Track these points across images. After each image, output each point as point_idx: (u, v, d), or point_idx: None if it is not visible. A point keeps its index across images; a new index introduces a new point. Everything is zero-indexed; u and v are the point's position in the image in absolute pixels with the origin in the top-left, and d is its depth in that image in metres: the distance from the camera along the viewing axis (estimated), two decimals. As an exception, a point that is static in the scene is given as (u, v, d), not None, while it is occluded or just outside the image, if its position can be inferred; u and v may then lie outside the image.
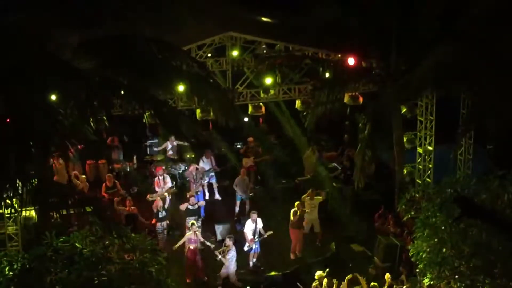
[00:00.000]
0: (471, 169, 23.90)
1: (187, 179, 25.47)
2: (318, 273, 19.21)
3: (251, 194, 25.10)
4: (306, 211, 22.63)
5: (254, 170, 26.62)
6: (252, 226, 21.35)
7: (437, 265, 15.26)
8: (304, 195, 23.08)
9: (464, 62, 19.48)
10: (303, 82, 24.19)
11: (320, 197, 23.39)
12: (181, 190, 24.85)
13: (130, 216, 22.29)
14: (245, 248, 21.44)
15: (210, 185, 25.96)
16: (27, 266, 13.34)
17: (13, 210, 19.10)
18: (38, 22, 16.24)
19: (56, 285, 12.97)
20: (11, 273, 13.27)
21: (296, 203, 22.50)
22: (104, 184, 24.04)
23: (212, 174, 25.87)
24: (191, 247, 20.88)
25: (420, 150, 24.21)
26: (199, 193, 24.44)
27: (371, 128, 21.51)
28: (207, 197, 25.51)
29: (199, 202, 23.13)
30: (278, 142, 29.39)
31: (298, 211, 22.26)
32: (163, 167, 25.06)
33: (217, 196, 26.11)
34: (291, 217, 22.26)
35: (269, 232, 21.60)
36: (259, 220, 21.48)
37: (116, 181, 24.34)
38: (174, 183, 25.03)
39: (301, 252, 22.47)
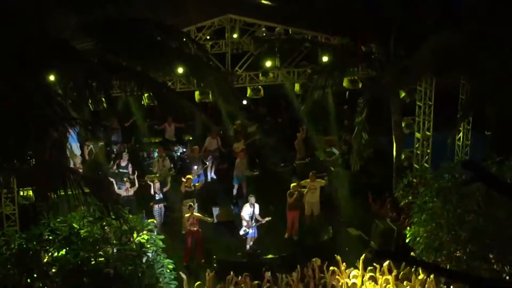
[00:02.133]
0: (469, 155, 23.92)
1: (187, 161, 25.49)
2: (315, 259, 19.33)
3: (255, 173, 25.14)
4: (305, 192, 22.70)
5: (246, 153, 26.55)
6: (249, 211, 21.36)
7: (433, 250, 15.33)
8: (305, 180, 23.10)
9: (464, 48, 19.44)
10: (302, 65, 24.16)
11: (322, 181, 23.41)
12: (179, 173, 24.86)
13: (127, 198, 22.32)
14: (241, 233, 21.46)
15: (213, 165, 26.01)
16: (24, 245, 13.36)
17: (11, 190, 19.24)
18: (37, 3, 16.14)
19: (53, 265, 13.00)
20: (8, 252, 13.30)
21: (292, 184, 22.56)
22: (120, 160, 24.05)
23: (216, 154, 25.87)
24: (191, 229, 20.94)
25: (418, 135, 24.20)
26: (200, 176, 24.47)
27: (369, 112, 21.50)
28: (209, 179, 25.52)
29: (196, 184, 23.18)
30: (277, 125, 29.37)
31: (295, 193, 22.32)
32: (163, 149, 25.06)
33: (212, 175, 26.10)
34: (288, 199, 22.33)
35: (267, 218, 21.60)
36: (256, 205, 21.51)
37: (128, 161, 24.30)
38: (173, 165, 25.04)
39: (297, 235, 22.53)
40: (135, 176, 23.00)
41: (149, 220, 16.87)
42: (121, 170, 23.75)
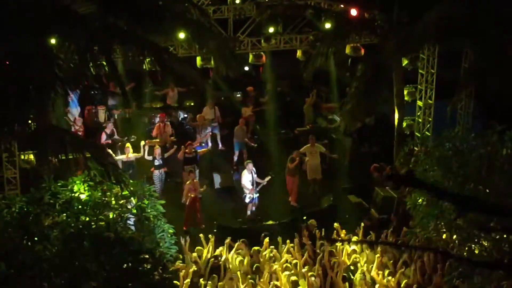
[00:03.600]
0: (470, 124, 23.88)
1: (187, 127, 25.49)
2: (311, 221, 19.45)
3: (255, 145, 25.12)
4: (307, 159, 22.76)
5: (253, 120, 26.61)
6: (249, 177, 21.43)
7: (433, 218, 15.31)
8: (305, 146, 23.12)
9: (467, 15, 19.31)
10: (305, 32, 24.01)
11: (321, 147, 23.43)
12: (179, 138, 24.83)
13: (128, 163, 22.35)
14: (246, 200, 21.54)
15: (213, 136, 25.97)
16: (25, 209, 13.38)
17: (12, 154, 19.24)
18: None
19: (54, 228, 13.03)
20: (9, 216, 13.33)
21: (295, 151, 22.59)
22: (103, 132, 23.99)
23: (215, 124, 25.84)
24: (191, 195, 20.98)
25: (420, 103, 24.15)
26: (203, 144, 24.47)
27: (370, 77, 21.40)
28: (209, 147, 25.54)
29: (198, 151, 23.19)
30: (278, 93, 29.30)
31: (296, 159, 22.36)
32: (165, 114, 25.04)
33: (220, 147, 26.13)
34: (288, 164, 22.38)
35: (268, 178, 21.72)
36: (254, 169, 21.54)
37: (114, 128, 24.30)
38: (174, 131, 25.02)
39: (297, 201, 22.59)
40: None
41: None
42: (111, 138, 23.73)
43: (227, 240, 18.06)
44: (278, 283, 16.50)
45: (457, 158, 15.30)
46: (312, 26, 23.89)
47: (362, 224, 18.88)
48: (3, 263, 12.03)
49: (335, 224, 18.82)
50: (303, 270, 17.00)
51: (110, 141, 23.54)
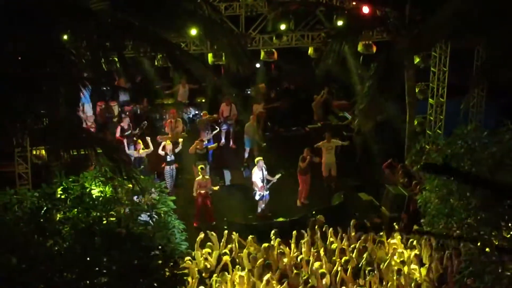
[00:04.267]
0: (482, 122, 23.79)
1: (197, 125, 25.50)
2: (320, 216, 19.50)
3: (263, 144, 25.10)
4: (322, 156, 22.76)
5: (264, 117, 26.58)
6: (260, 174, 21.42)
7: (444, 216, 15.28)
8: (321, 142, 23.07)
9: (480, 13, 19.24)
10: (317, 29, 23.97)
11: (338, 141, 23.35)
12: (191, 135, 24.84)
13: (139, 159, 22.38)
14: (257, 197, 21.52)
15: (227, 132, 25.97)
16: (37, 204, 13.41)
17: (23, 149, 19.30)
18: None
19: (65, 224, 13.05)
20: (20, 211, 13.35)
21: (306, 149, 22.55)
22: (119, 126, 24.02)
23: (230, 122, 25.82)
24: (201, 191, 21.01)
25: (431, 101, 24.09)
26: (210, 141, 24.45)
27: (382, 77, 21.36)
28: (222, 143, 25.55)
29: (208, 147, 23.20)
30: (290, 89, 29.27)
31: (307, 157, 22.33)
32: (176, 111, 25.05)
33: (232, 145, 26.12)
34: (300, 163, 22.35)
35: (278, 175, 21.71)
36: (264, 166, 21.53)
37: (130, 123, 24.32)
38: (185, 127, 25.04)
39: (308, 199, 22.59)
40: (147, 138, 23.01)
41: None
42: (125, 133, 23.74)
43: (235, 236, 18.09)
44: (288, 280, 16.50)
45: (469, 155, 15.26)
46: (324, 24, 23.83)
47: (352, 222, 18.99)
48: (15, 258, 12.06)
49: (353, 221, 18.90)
50: (314, 266, 17.00)
51: (125, 135, 23.51)
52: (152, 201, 14.98)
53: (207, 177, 21.37)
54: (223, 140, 25.58)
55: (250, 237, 18.36)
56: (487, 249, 14.37)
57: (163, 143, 22.56)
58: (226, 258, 17.36)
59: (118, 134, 23.69)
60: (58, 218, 13.30)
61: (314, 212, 20.10)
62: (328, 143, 23.02)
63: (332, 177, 23.12)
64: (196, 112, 26.66)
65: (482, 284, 14.00)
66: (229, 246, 18.07)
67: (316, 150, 22.99)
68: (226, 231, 18.57)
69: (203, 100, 27.57)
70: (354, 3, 23.07)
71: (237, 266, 17.23)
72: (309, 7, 23.13)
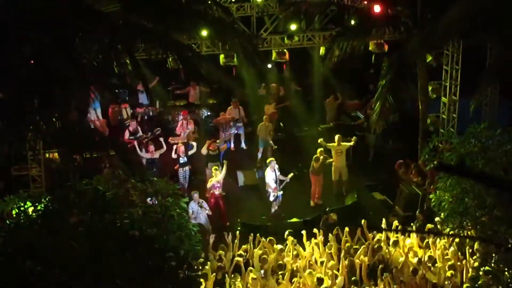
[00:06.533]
0: (495, 120, 23.66)
1: (210, 125, 25.50)
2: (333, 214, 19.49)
3: (274, 147, 25.05)
4: (332, 159, 22.67)
5: (276, 117, 26.54)
6: (272, 175, 21.36)
7: (459, 215, 15.20)
8: (331, 143, 23.00)
9: (492, 11, 19.17)
10: (328, 29, 23.93)
11: (348, 144, 23.22)
12: (203, 136, 24.84)
13: (152, 161, 22.39)
14: (271, 198, 21.45)
15: (237, 136, 25.96)
16: (50, 207, 13.43)
17: (37, 152, 19.32)
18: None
19: (79, 227, 13.07)
20: (34, 214, 13.38)
21: (319, 149, 22.49)
22: (126, 130, 24.06)
23: (240, 124, 25.81)
24: (215, 192, 21.00)
25: (444, 99, 24.00)
26: (227, 142, 24.47)
27: (394, 75, 21.31)
28: (232, 147, 25.55)
29: (220, 148, 23.20)
30: (301, 90, 29.24)
31: (321, 158, 22.28)
32: (188, 112, 25.07)
33: (243, 145, 26.10)
34: (313, 163, 22.29)
35: (291, 174, 21.66)
36: (277, 166, 21.49)
37: (139, 126, 24.35)
38: (197, 128, 25.04)
39: (321, 199, 22.54)
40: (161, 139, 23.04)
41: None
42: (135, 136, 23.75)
43: (251, 237, 18.08)
44: (302, 281, 16.47)
45: (483, 154, 15.19)
46: (335, 23, 23.79)
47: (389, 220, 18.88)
48: (30, 261, 12.09)
49: (363, 221, 18.82)
50: (328, 266, 16.96)
51: (133, 139, 23.54)
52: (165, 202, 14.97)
53: (220, 178, 21.33)
54: (232, 145, 25.53)
55: (268, 238, 18.29)
56: (502, 248, 14.30)
57: (175, 146, 22.57)
58: (238, 260, 17.33)
59: (126, 137, 23.72)
60: (71, 221, 13.32)
61: (327, 210, 20.09)
62: (338, 146, 22.89)
63: (342, 182, 23.03)
64: (208, 113, 26.65)
65: (498, 283, 13.93)
66: (244, 247, 18.04)
67: (327, 152, 22.92)
68: (238, 232, 18.56)
69: (215, 102, 27.58)
70: (365, 2, 23.03)
71: (250, 268, 17.19)
72: (320, 7, 23.07)
